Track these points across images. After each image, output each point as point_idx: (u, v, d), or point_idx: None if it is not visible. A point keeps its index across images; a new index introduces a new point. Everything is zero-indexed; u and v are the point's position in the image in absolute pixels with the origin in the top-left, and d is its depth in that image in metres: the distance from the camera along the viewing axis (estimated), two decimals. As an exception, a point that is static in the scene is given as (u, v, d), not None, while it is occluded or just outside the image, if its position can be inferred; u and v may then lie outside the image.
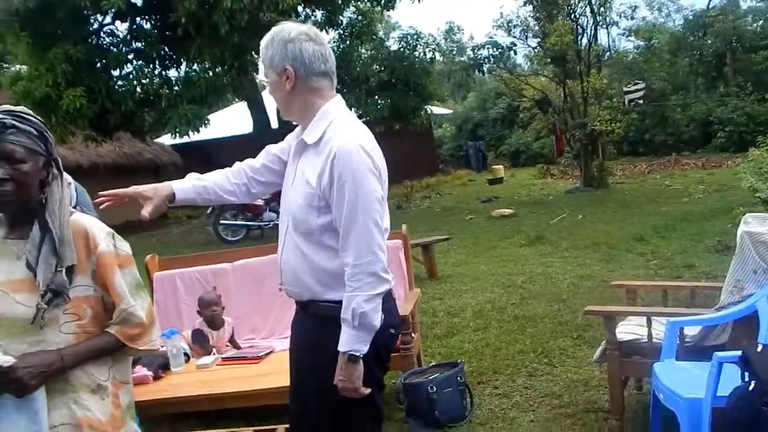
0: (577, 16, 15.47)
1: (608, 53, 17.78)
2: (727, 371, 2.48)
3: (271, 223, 11.97)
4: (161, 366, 3.64)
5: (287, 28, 2.12)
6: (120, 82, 12.89)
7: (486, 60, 16.30)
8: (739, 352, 2.44)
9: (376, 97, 14.45)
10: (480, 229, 10.89)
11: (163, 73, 13.58)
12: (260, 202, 11.71)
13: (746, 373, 2.38)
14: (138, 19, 13.55)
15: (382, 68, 14.69)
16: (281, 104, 2.18)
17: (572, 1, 15.27)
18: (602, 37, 16.83)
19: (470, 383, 3.98)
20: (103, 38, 13.62)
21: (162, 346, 3.48)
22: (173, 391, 3.45)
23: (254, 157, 2.40)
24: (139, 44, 13.47)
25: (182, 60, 13.34)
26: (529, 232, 9.79)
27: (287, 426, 2.50)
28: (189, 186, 2.28)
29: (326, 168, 2.01)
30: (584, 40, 15.53)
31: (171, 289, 4.38)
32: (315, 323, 2.14)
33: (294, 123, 2.25)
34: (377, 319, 2.02)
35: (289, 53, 2.08)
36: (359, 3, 15.05)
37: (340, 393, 2.05)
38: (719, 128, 19.79)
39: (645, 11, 26.75)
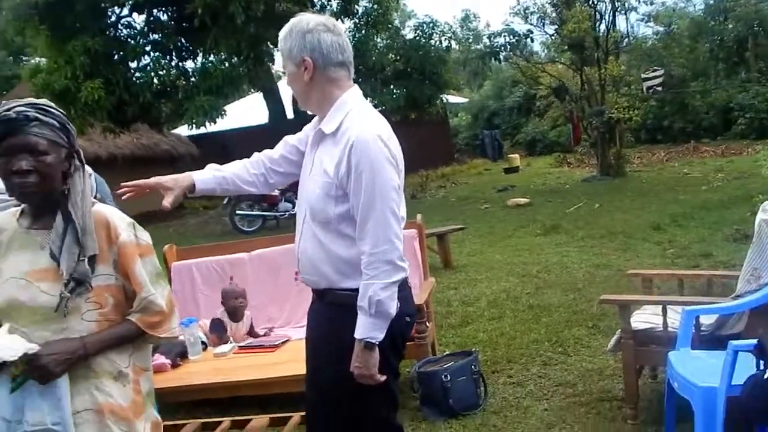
0: (595, 2, 15.30)
1: (627, 39, 17.60)
2: (743, 360, 2.48)
3: (287, 213, 12.03)
4: (179, 354, 3.70)
5: (305, 19, 2.15)
6: (137, 74, 12.98)
7: (502, 48, 16.19)
8: (754, 341, 2.44)
9: (392, 86, 14.45)
10: (495, 219, 10.88)
11: (180, 64, 13.66)
12: (276, 192, 11.77)
13: (761, 362, 2.37)
14: (155, 10, 13.62)
15: (398, 57, 14.67)
16: (299, 95, 2.21)
17: (590, -13, 15.12)
18: (621, 23, 16.70)
19: (484, 372, 4.00)
20: (121, 30, 13.72)
21: (180, 335, 3.53)
22: (191, 378, 3.51)
23: (270, 148, 2.43)
24: (156, 36, 13.55)
25: (198, 51, 13.42)
26: (545, 221, 9.76)
27: (303, 414, 2.54)
28: (209, 177, 2.32)
29: (344, 157, 2.03)
30: (602, 27, 15.37)
31: (188, 279, 4.44)
32: (332, 311, 2.17)
33: (310, 114, 2.28)
34: (393, 307, 2.05)
35: (307, 44, 2.10)
36: (373, -9, 15.03)
37: (356, 380, 2.08)
38: (740, 115, 19.52)
39: (664, -4, 26.39)
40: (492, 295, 6.09)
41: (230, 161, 2.41)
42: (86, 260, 1.83)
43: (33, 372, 1.77)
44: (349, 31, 14.87)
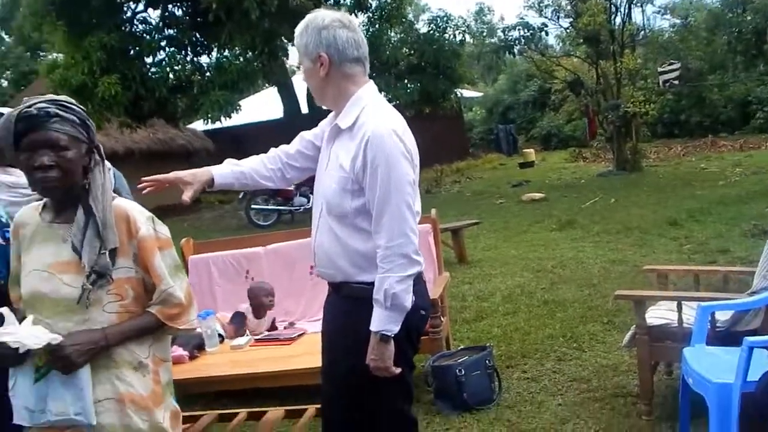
0: (612, -6, 15.20)
1: (643, 32, 17.47)
2: (758, 356, 2.48)
3: (302, 207, 12.09)
4: (197, 346, 3.74)
5: (321, 15, 2.16)
6: (153, 69, 13.07)
7: (516, 41, 16.13)
8: (770, 337, 2.44)
9: (406, 80, 14.43)
10: (510, 214, 10.86)
11: (195, 59, 13.73)
12: (291, 187, 11.83)
13: (777, 358, 2.37)
14: (170, 6, 13.70)
15: (412, 51, 14.64)
16: (315, 91, 2.23)
17: (605, -21, 14.99)
18: (637, 16, 16.54)
19: (499, 367, 4.01)
20: (136, 26, 13.80)
21: (198, 327, 3.57)
22: (208, 370, 3.55)
23: (285, 142, 2.45)
24: (171, 31, 13.63)
25: (213, 46, 13.47)
26: (560, 216, 9.74)
27: (318, 406, 2.57)
28: (227, 171, 2.35)
29: (360, 152, 2.06)
30: (618, 19, 15.27)
31: (205, 272, 4.48)
32: (348, 304, 2.20)
33: (325, 109, 2.30)
34: (408, 300, 2.07)
35: (323, 40, 2.12)
36: (389, -15, 15.00)
37: (372, 373, 2.10)
38: (758, 108, 19.35)
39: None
40: (506, 290, 6.09)
41: (245, 156, 2.44)
42: (107, 253, 1.87)
43: (56, 362, 1.81)
44: (363, 26, 14.86)
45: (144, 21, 13.89)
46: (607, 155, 16.81)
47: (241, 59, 12.98)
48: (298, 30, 2.18)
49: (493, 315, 5.38)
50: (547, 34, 16.43)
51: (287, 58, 14.44)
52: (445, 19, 15.15)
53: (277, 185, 2.47)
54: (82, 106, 1.96)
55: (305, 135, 2.43)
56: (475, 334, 4.93)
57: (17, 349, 1.76)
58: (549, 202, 11.69)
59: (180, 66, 13.02)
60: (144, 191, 2.30)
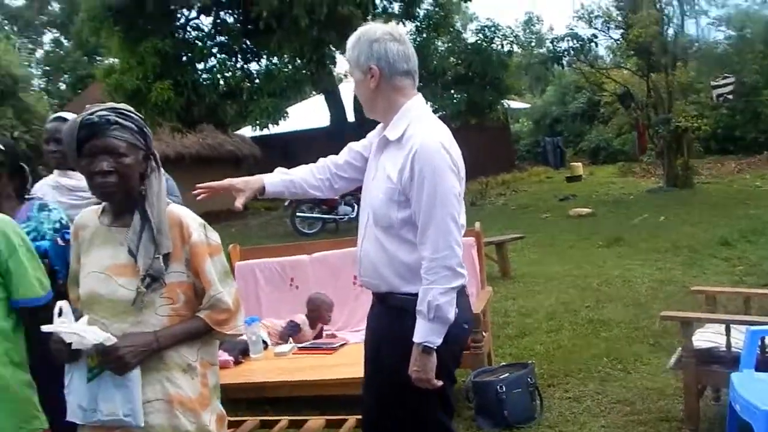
0: (663, 6, 14.91)
1: (696, 44, 17.10)
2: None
3: (346, 216, 12.16)
4: (242, 351, 3.80)
5: (373, 28, 2.20)
6: (204, 76, 13.32)
7: (565, 53, 15.95)
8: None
9: (452, 91, 14.41)
10: (556, 229, 10.74)
11: (245, 66, 13.95)
12: (336, 196, 11.90)
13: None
14: (222, 13, 13.96)
15: (459, 61, 14.61)
16: (365, 102, 2.26)
17: (658, -10, 14.75)
18: (690, 28, 16.15)
19: (540, 385, 3.97)
20: (189, 32, 14.09)
21: (243, 333, 3.62)
22: (252, 376, 3.60)
23: (331, 150, 2.50)
24: (222, 38, 13.88)
25: (263, 53, 13.67)
26: (608, 232, 9.59)
27: (359, 417, 2.58)
28: (278, 180, 2.41)
29: (407, 164, 2.08)
30: (670, 31, 14.98)
31: (251, 278, 4.54)
32: (392, 315, 2.21)
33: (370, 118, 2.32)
34: (452, 313, 2.08)
35: (374, 53, 2.16)
36: (437, -6, 15.04)
37: (413, 384, 2.11)
38: (816, 125, 18.73)
39: (738, -2, 25.39)
40: (550, 306, 6.02)
41: (292, 162, 2.49)
42: (161, 258, 1.92)
43: (110, 363, 1.86)
44: (411, 35, 14.90)
45: (197, 28, 14.19)
46: (658, 171, 16.48)
47: (290, 67, 13.15)
48: (350, 42, 2.23)
49: (535, 332, 5.32)
50: (596, 45, 16.21)
51: (335, 66, 14.58)
52: (493, 29, 15.06)
53: (325, 195, 2.52)
54: (140, 115, 2.02)
55: (354, 146, 2.46)
56: (517, 351, 4.89)
57: (70, 344, 1.82)
58: (596, 218, 11.53)
59: (230, 73, 13.25)
60: (198, 197, 2.36)
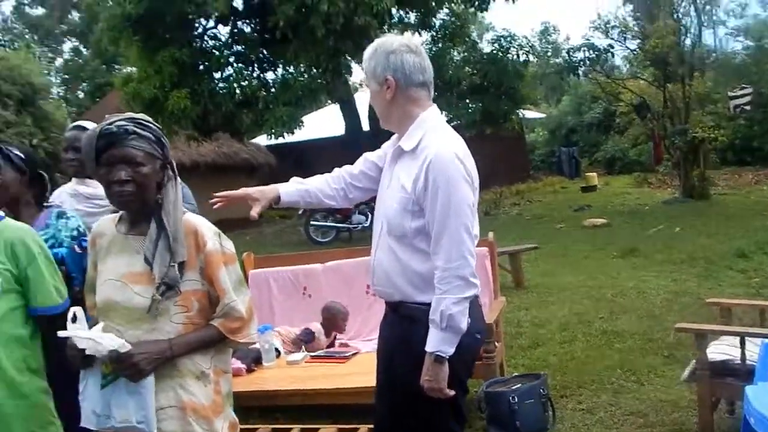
0: (681, 16, 14.86)
1: (714, 55, 17.00)
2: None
3: (360, 225, 12.18)
4: (254, 360, 3.82)
5: (389, 40, 2.24)
6: (221, 85, 13.40)
7: (581, 63, 15.91)
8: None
9: (468, 100, 14.40)
10: (570, 239, 10.69)
11: (261, 75, 14.03)
12: (350, 205, 11.91)
13: None
14: (239, 23, 14.06)
15: (475, 71, 14.61)
16: (381, 113, 2.29)
17: (675, 0, 14.68)
18: (708, 38, 16.07)
19: (553, 396, 3.95)
20: (207, 42, 14.19)
21: (256, 341, 3.65)
22: (264, 384, 3.62)
23: (346, 158, 2.52)
24: (239, 47, 13.97)
25: (279, 63, 13.75)
26: (623, 243, 9.54)
27: (370, 426, 2.59)
28: (293, 189, 2.44)
29: (421, 174, 2.10)
30: (687, 41, 14.91)
31: (265, 287, 4.57)
32: (404, 324, 2.23)
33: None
34: (464, 322, 2.10)
35: (390, 64, 2.19)
36: (453, 5, 15.03)
37: (425, 393, 2.12)
38: (836, 136, 18.52)
39: (756, 8, 25.19)
40: (564, 317, 5.99)
41: (307, 171, 2.51)
42: (176, 266, 1.95)
43: (124, 369, 1.88)
44: (426, 44, 14.93)
45: (214, 37, 14.27)
46: (674, 182, 16.37)
47: (306, 76, 13.21)
48: (366, 53, 2.25)
49: (549, 343, 5.30)
50: (613, 56, 16.16)
51: (350, 76, 14.62)
52: (508, 39, 15.03)
53: (340, 204, 2.54)
54: (158, 125, 2.06)
55: (369, 156, 2.49)
56: (530, 362, 4.87)
57: (84, 350, 1.85)
58: (611, 229, 11.47)
59: (247, 82, 13.31)
60: (215, 206, 2.40)
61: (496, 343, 3.87)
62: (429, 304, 2.11)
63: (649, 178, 18.71)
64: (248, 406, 3.71)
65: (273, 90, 13.37)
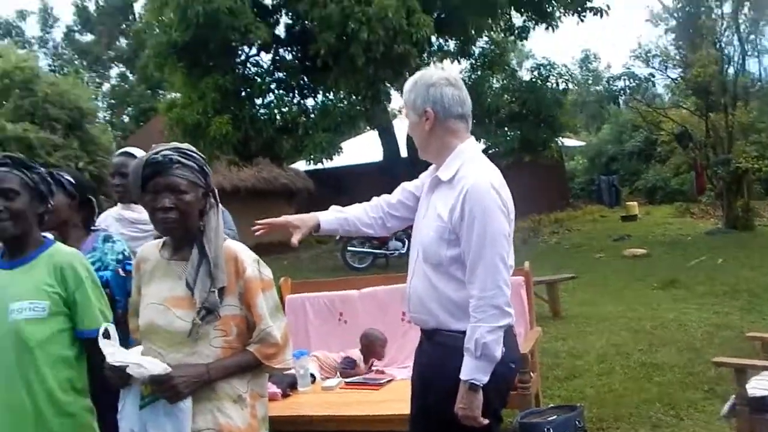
0: (723, 45, 14.70)
1: (759, 84, 16.74)
2: None
3: (397, 252, 12.20)
4: (290, 384, 3.85)
5: (429, 73, 2.30)
6: (262, 111, 13.62)
7: (621, 92, 15.80)
8: None
9: (506, 128, 14.39)
10: (610, 269, 10.55)
11: (302, 102, 14.24)
12: (388, 234, 11.94)
13: None
14: (281, 50, 14.32)
15: (513, 99, 14.62)
16: (419, 143, 2.35)
17: (718, 29, 14.54)
18: (752, 66, 15.86)
19: (589, 429, 3.90)
20: (249, 69, 14.47)
21: (292, 367, 3.68)
22: (300, 409, 3.64)
23: (384, 185, 2.57)
24: (280, 74, 14.21)
25: (319, 89, 13.95)
26: (663, 274, 9.38)
27: (405, 454, 2.59)
28: (332, 218, 2.50)
29: (458, 204, 2.14)
30: (731, 70, 14.72)
31: (301, 312, 4.60)
32: (439, 352, 2.25)
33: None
34: (499, 351, 2.12)
35: (430, 96, 2.25)
36: (492, 33, 15.11)
37: (459, 421, 2.13)
38: None
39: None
40: (602, 348, 5.91)
41: (345, 196, 2.57)
42: (216, 291, 2.00)
43: (164, 391, 1.94)
44: (465, 72, 15.01)
45: (256, 64, 14.54)
46: (717, 212, 16.08)
47: (345, 103, 13.37)
48: (407, 85, 2.32)
49: (586, 374, 5.23)
50: (654, 85, 16.04)
51: (389, 103, 14.75)
52: (548, 67, 15.03)
53: (378, 233, 2.60)
54: (201, 154, 2.13)
55: (406, 186, 2.54)
56: (566, 393, 4.81)
57: (123, 369, 1.91)
58: (651, 259, 11.29)
59: (287, 108, 13.51)
60: (257, 233, 2.47)
61: (532, 374, 3.84)
62: (464, 332, 2.13)
63: (691, 208, 18.40)
64: (283, 431, 3.75)
65: (313, 116, 13.54)
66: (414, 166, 2.50)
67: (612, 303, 7.89)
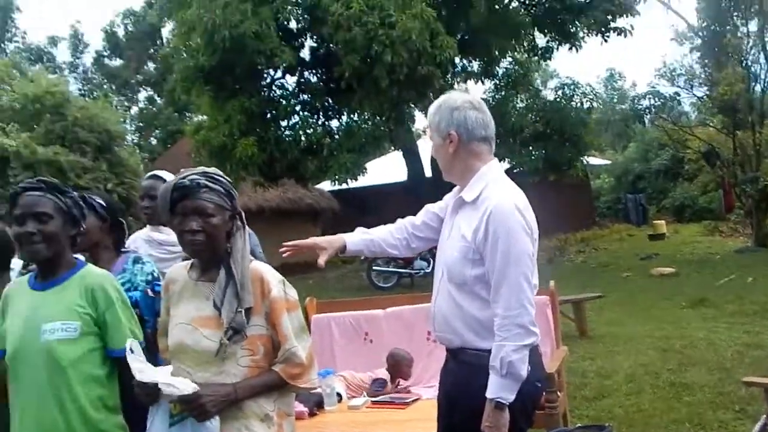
0: (750, 63, 14.60)
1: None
2: None
3: (422, 271, 12.20)
4: (316, 403, 3.86)
5: (454, 96, 2.35)
6: (287, 132, 13.77)
7: (647, 111, 15.70)
8: None
9: (531, 147, 14.36)
10: (637, 288, 10.45)
11: (326, 123, 14.36)
12: (412, 255, 11.94)
13: None
14: (306, 73, 14.49)
15: (538, 119, 14.61)
16: (443, 165, 2.38)
17: (743, 48, 14.44)
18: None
19: (618, 449, 3.86)
20: (274, 91, 14.65)
21: (318, 386, 3.69)
22: (326, 428, 3.65)
23: (408, 205, 2.60)
24: (305, 96, 14.36)
25: (344, 111, 14.07)
26: (692, 293, 9.28)
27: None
28: (358, 239, 2.54)
29: (482, 224, 2.17)
30: (757, 88, 14.59)
31: (327, 332, 4.63)
32: (465, 371, 2.27)
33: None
34: (524, 370, 2.13)
35: (454, 120, 2.29)
36: (516, 53, 15.15)
37: None
38: None
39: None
40: (630, 368, 5.85)
41: (369, 216, 2.60)
42: (243, 312, 2.04)
43: (192, 410, 1.97)
44: (489, 93, 15.05)
45: (281, 87, 14.72)
46: (746, 230, 15.85)
47: (369, 124, 13.47)
48: (431, 108, 2.37)
49: (614, 394, 5.18)
50: (679, 103, 15.94)
51: (413, 124, 14.81)
52: (572, 86, 15.00)
53: (402, 254, 2.63)
54: (228, 178, 2.18)
55: (431, 207, 2.57)
56: (594, 413, 4.77)
57: (151, 386, 1.95)
58: (680, 278, 11.16)
59: (312, 129, 13.64)
60: (284, 254, 2.51)
61: (559, 393, 3.81)
62: (489, 351, 2.15)
63: (720, 226, 18.16)
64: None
65: (337, 137, 13.65)
66: (438, 186, 2.53)
67: (640, 322, 7.81)
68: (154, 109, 32.42)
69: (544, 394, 2.95)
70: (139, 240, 3.33)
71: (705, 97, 15.59)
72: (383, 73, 11.50)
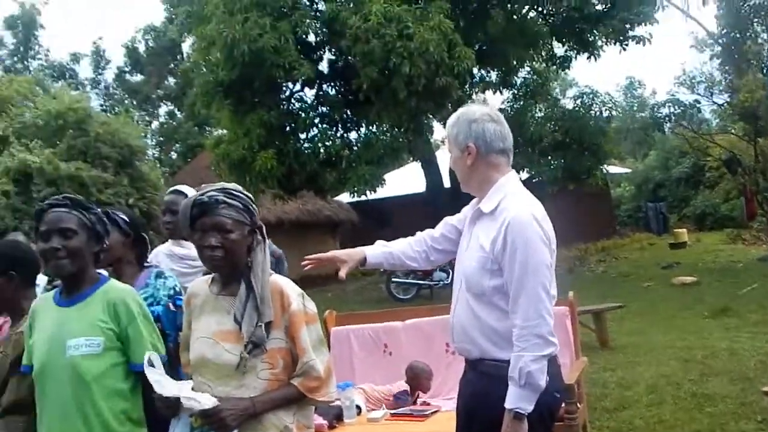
0: (770, 69, 14.50)
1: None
2: None
3: (441, 282, 12.18)
4: (336, 416, 3.88)
5: (472, 109, 2.38)
6: (306, 145, 13.84)
7: (666, 119, 15.59)
8: None
9: (549, 157, 14.31)
10: (658, 297, 10.36)
11: (345, 135, 14.42)
12: (431, 267, 11.96)
13: None
14: (324, 85, 14.58)
15: (556, 128, 14.55)
16: (461, 177, 2.41)
17: (764, 54, 14.33)
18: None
19: (640, 461, 3.83)
20: (293, 104, 14.74)
21: (337, 399, 3.71)
22: (345, 441, 3.66)
23: (427, 216, 2.63)
24: (324, 109, 14.44)
25: (362, 123, 14.13)
26: (714, 302, 9.17)
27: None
28: (378, 252, 2.58)
29: (500, 235, 2.19)
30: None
31: (346, 344, 4.64)
32: (483, 381, 2.28)
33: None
34: (543, 380, 2.14)
35: (472, 132, 2.32)
36: (534, 63, 15.14)
37: None
38: None
39: None
40: (651, 379, 5.80)
41: (388, 228, 2.64)
42: (263, 326, 2.08)
43: (213, 423, 2.01)
44: (507, 102, 15.04)
45: (300, 100, 14.80)
46: (769, 238, 15.67)
47: (388, 135, 13.51)
48: (450, 121, 2.40)
49: (635, 405, 5.14)
50: (699, 111, 15.81)
51: (431, 135, 14.83)
52: (591, 95, 14.94)
53: (422, 266, 2.68)
54: (247, 194, 2.22)
55: (449, 220, 2.60)
56: (615, 424, 4.74)
57: (172, 399, 1.98)
58: (701, 287, 11.04)
59: (330, 142, 13.69)
60: (305, 268, 2.56)
61: (578, 404, 3.80)
62: (507, 362, 2.16)
63: (742, 234, 17.92)
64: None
65: (356, 149, 13.69)
66: (457, 197, 2.56)
67: (661, 332, 7.74)
68: (175, 123, 32.69)
69: (563, 405, 2.95)
70: (160, 254, 3.38)
71: (725, 104, 15.48)
72: (401, 85, 11.54)
